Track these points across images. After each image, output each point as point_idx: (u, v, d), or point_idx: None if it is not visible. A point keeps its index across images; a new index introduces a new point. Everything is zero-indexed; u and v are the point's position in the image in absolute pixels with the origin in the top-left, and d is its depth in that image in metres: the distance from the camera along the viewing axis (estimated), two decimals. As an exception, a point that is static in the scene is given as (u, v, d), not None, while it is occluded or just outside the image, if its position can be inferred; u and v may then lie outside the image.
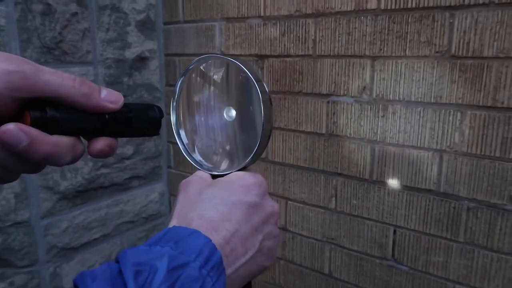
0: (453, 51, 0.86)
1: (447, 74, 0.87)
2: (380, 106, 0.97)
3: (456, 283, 0.94)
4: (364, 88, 0.99)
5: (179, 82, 0.45)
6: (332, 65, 1.03)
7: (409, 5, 0.89)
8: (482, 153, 0.86)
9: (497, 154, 0.84)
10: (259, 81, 0.41)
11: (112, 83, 1.28)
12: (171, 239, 0.32)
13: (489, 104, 0.83)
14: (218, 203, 0.37)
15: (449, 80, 0.87)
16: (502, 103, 0.82)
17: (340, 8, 0.99)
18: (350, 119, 1.03)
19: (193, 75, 0.45)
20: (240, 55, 1.22)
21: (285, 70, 1.12)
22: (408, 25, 0.90)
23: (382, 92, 0.96)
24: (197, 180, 0.42)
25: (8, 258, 1.14)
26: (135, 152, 1.37)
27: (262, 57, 1.17)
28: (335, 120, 1.06)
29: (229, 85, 0.44)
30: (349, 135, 1.04)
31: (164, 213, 1.55)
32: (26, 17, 1.06)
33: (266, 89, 0.41)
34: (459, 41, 0.85)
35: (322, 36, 1.04)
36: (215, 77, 0.45)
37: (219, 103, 0.45)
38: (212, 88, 0.45)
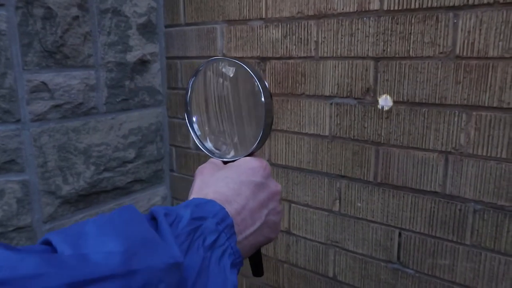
0: (457, 52, 0.85)
1: (452, 74, 0.86)
2: (384, 107, 0.96)
3: (463, 286, 0.92)
4: (368, 89, 0.98)
5: (191, 82, 0.51)
6: (335, 66, 1.02)
7: (412, 6, 0.89)
8: (488, 154, 0.85)
9: (504, 156, 0.83)
10: (260, 79, 0.46)
11: (113, 87, 1.28)
12: (192, 204, 0.37)
13: (494, 105, 0.82)
14: (229, 182, 0.43)
15: (454, 81, 0.86)
16: (508, 103, 0.81)
17: (343, 9, 0.98)
18: (354, 121, 1.02)
19: (204, 74, 0.51)
20: (242, 57, 1.21)
21: (288, 72, 1.12)
22: (411, 26, 0.90)
23: (386, 94, 0.95)
24: (210, 165, 0.48)
25: (10, 263, 1.13)
26: (137, 156, 1.37)
27: (264, 59, 1.16)
28: (338, 122, 1.05)
29: (236, 84, 0.50)
30: (352, 137, 1.03)
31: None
32: (27, 21, 1.05)
33: (267, 85, 0.47)
34: (464, 42, 0.84)
35: (325, 37, 1.03)
36: (224, 77, 0.50)
37: (228, 99, 0.51)
38: (220, 86, 0.51)
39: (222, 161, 0.50)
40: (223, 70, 0.50)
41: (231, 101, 0.50)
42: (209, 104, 0.52)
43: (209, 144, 0.52)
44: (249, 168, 0.45)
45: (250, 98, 0.49)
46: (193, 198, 0.39)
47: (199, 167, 0.48)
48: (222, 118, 0.51)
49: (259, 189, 0.45)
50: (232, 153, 0.51)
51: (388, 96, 0.94)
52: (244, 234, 0.41)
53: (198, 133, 0.53)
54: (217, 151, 0.52)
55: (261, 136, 0.47)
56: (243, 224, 0.41)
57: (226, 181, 0.43)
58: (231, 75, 0.49)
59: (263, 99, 0.46)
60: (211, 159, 0.50)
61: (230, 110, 0.51)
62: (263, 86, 0.46)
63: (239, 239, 0.40)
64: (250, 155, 0.49)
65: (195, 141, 0.53)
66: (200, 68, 0.50)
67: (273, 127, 1.19)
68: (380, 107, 0.97)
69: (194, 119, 0.53)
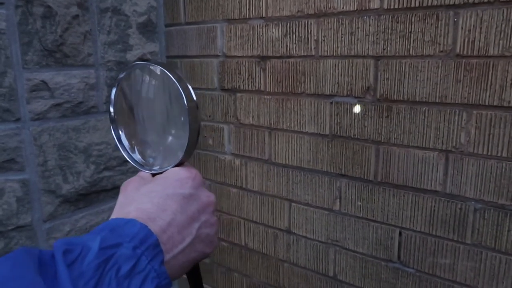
0: (458, 50, 0.85)
1: (452, 73, 0.86)
2: (384, 106, 0.96)
3: (463, 285, 0.92)
4: (368, 88, 0.98)
5: (114, 92, 0.49)
6: (335, 65, 1.02)
7: (413, 4, 0.88)
8: (489, 153, 0.85)
9: (504, 154, 0.83)
10: (182, 82, 0.44)
11: (113, 86, 1.27)
12: (106, 228, 0.34)
13: (495, 104, 0.82)
14: (154, 197, 0.40)
15: (454, 80, 0.86)
16: (509, 102, 0.81)
17: (343, 8, 0.98)
18: (354, 119, 1.02)
19: (126, 82, 0.48)
20: (242, 56, 1.21)
21: (288, 71, 1.12)
22: (411, 25, 0.89)
23: (386, 92, 0.95)
24: (136, 179, 0.45)
25: (10, 262, 1.13)
26: (137, 155, 1.36)
27: (264, 58, 1.16)
28: (338, 121, 1.05)
29: (159, 89, 0.47)
30: (353, 136, 1.03)
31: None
32: (26, 20, 1.05)
33: (190, 89, 0.44)
34: (464, 40, 0.84)
35: (325, 36, 1.03)
36: (146, 83, 0.47)
37: (151, 106, 0.48)
38: (144, 93, 0.48)
39: (150, 173, 0.47)
40: (145, 75, 0.47)
41: (155, 108, 0.48)
42: (134, 113, 0.49)
43: (137, 156, 0.49)
44: (176, 179, 0.42)
45: (173, 103, 0.46)
46: (111, 220, 0.36)
47: (124, 182, 0.45)
48: (148, 127, 0.49)
49: (188, 201, 0.42)
50: (159, 164, 0.48)
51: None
52: (172, 253, 0.38)
53: (126, 144, 0.50)
54: (145, 163, 0.49)
55: (188, 145, 0.44)
56: (170, 242, 0.38)
57: (150, 196, 0.40)
58: (153, 81, 0.47)
59: (185, 103, 0.43)
60: (140, 173, 0.47)
61: (155, 118, 0.48)
62: (185, 90, 0.43)
63: (167, 259, 0.36)
64: (179, 165, 0.46)
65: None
66: (121, 76, 0.48)
67: (274, 125, 1.19)
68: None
69: (120, 130, 0.50)
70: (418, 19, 0.88)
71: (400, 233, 1.00)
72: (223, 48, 1.25)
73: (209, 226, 0.43)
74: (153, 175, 0.46)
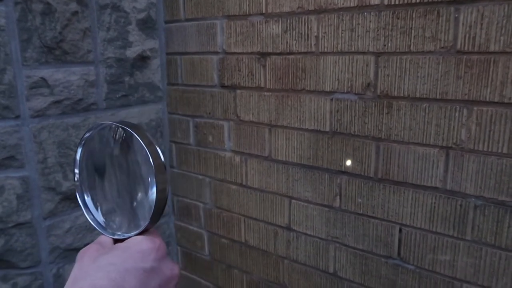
0: (458, 46, 0.85)
1: (453, 69, 0.86)
2: (385, 103, 0.96)
3: (463, 282, 0.92)
4: (368, 84, 0.98)
5: (79, 152, 0.47)
6: (336, 62, 1.02)
7: (413, 0, 0.88)
8: (489, 149, 0.84)
9: (505, 151, 0.83)
10: (149, 144, 0.42)
11: (113, 83, 1.27)
12: None
13: (496, 100, 0.82)
14: (111, 271, 0.37)
15: (455, 76, 0.86)
16: (510, 98, 0.80)
17: (343, 4, 0.98)
18: (354, 116, 1.02)
19: (91, 143, 0.47)
20: (242, 53, 1.20)
21: (288, 67, 1.11)
22: (412, 21, 0.89)
23: (387, 89, 0.95)
24: (94, 247, 0.42)
25: (10, 259, 1.13)
26: (137, 152, 1.36)
27: (264, 54, 1.16)
28: (339, 118, 1.04)
29: (126, 150, 0.45)
30: (353, 133, 1.03)
31: (167, 212, 1.55)
32: (26, 16, 1.05)
33: (160, 154, 0.42)
34: (465, 36, 0.83)
35: (325, 32, 1.02)
36: (112, 143, 0.46)
37: (117, 167, 0.46)
38: (109, 153, 0.47)
39: (112, 239, 0.45)
40: (111, 135, 0.46)
41: (121, 169, 0.46)
42: (100, 174, 0.47)
43: (100, 218, 0.47)
44: (137, 251, 0.40)
45: (140, 164, 0.44)
46: None
47: (81, 250, 0.42)
48: (113, 188, 0.47)
49: (149, 276, 0.39)
50: (122, 230, 0.46)
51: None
52: None
53: (91, 205, 0.48)
54: (108, 226, 0.47)
55: (154, 210, 0.42)
56: None
57: (107, 270, 0.37)
58: (119, 141, 0.45)
59: (152, 163, 0.41)
60: (100, 238, 0.45)
61: (121, 179, 0.46)
62: (152, 150, 0.42)
63: None
64: (143, 232, 0.43)
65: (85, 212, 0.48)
66: (86, 136, 0.46)
67: (274, 122, 1.19)
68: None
69: (86, 193, 0.48)
70: (418, 15, 0.88)
71: (400, 230, 1.00)
72: (223, 44, 1.25)
73: None
74: (115, 241, 0.44)
